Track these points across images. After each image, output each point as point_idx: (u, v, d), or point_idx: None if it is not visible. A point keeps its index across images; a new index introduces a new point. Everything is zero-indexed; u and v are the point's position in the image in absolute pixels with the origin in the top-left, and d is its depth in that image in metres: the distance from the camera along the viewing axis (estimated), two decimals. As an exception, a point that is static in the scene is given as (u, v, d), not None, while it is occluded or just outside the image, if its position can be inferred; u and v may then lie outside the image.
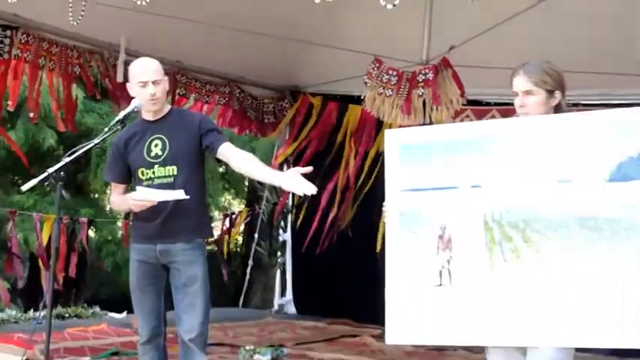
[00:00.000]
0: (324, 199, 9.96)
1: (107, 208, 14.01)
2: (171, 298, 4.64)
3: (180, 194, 4.38)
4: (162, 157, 4.54)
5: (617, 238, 3.29)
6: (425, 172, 3.69)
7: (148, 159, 4.55)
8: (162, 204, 4.43)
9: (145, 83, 4.51)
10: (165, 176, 4.52)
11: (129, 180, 4.71)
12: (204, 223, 4.76)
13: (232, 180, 15.64)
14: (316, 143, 10.35)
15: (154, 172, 4.54)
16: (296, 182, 4.21)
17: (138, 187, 4.55)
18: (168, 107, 4.71)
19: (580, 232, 3.35)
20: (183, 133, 4.59)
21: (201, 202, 4.65)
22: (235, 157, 4.59)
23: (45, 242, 8.51)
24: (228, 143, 4.62)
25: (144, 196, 4.45)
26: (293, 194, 10.67)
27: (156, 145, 4.56)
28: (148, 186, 4.53)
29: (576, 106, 4.08)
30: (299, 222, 10.68)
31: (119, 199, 4.74)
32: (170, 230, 4.51)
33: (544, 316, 3.42)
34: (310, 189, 4.15)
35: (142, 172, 4.57)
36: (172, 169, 4.52)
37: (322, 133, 10.34)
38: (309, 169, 4.32)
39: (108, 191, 13.15)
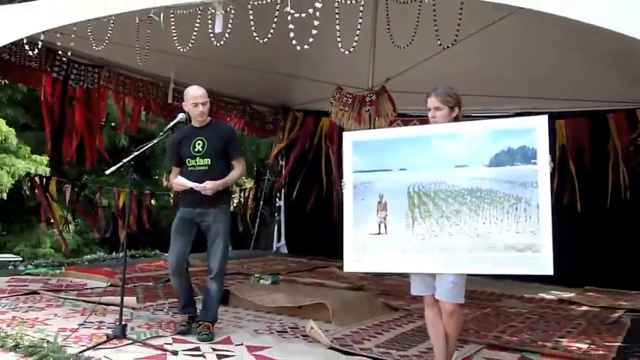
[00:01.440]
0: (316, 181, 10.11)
1: (164, 185, 13.96)
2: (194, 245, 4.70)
3: (201, 188, 4.45)
4: (202, 152, 4.54)
5: (494, 203, 3.32)
6: (369, 159, 3.69)
7: (193, 153, 4.56)
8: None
9: (197, 104, 4.54)
10: (203, 165, 4.53)
11: (181, 165, 4.69)
12: (227, 195, 4.74)
13: (246, 165, 15.60)
14: (301, 142, 10.39)
15: (196, 162, 4.54)
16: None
17: (178, 176, 4.56)
18: (209, 119, 4.70)
19: (470, 199, 3.37)
20: (217, 137, 4.58)
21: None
22: (236, 173, 4.62)
23: (120, 206, 8.50)
24: (237, 160, 4.67)
25: (182, 182, 4.50)
26: (285, 176, 10.73)
27: (198, 144, 4.56)
28: (191, 171, 4.54)
29: (469, 117, 4.06)
30: (286, 193, 10.82)
31: (173, 178, 4.72)
32: (204, 200, 4.50)
33: (447, 253, 3.43)
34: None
35: (189, 162, 4.58)
36: (208, 161, 4.53)
37: (304, 136, 10.37)
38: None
39: (165, 174, 13.24)
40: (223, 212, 4.59)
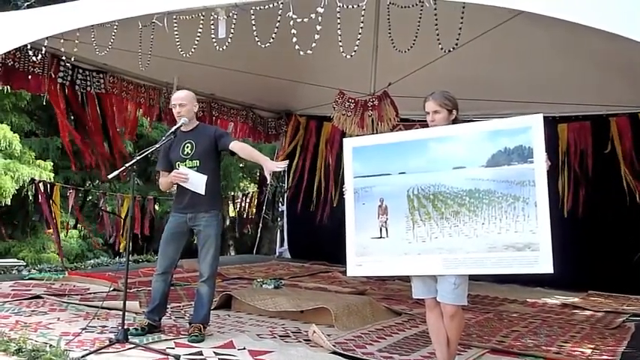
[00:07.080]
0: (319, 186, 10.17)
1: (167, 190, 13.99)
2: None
3: (203, 180, 4.49)
4: (191, 155, 4.61)
5: (492, 203, 3.33)
6: (369, 164, 3.71)
7: (182, 155, 4.62)
8: (190, 189, 4.53)
9: (175, 105, 4.67)
10: (192, 166, 4.58)
11: (170, 169, 4.72)
12: (218, 199, 4.77)
13: (247, 171, 15.63)
14: (305, 147, 10.46)
15: (185, 164, 4.60)
16: (271, 163, 4.42)
17: (180, 167, 4.60)
18: (196, 123, 4.76)
19: (469, 200, 3.38)
20: (204, 139, 4.64)
21: (214, 184, 4.64)
22: (240, 148, 4.63)
23: (124, 212, 8.52)
24: (235, 141, 4.70)
25: (183, 171, 4.54)
26: (289, 182, 10.74)
27: (187, 147, 4.63)
28: None
29: (469, 121, 4.07)
30: (289, 198, 10.84)
31: (164, 180, 4.76)
32: (196, 204, 4.56)
33: (447, 254, 3.44)
34: (280, 167, 4.55)
35: (178, 165, 4.63)
36: (197, 162, 4.59)
37: (308, 141, 10.42)
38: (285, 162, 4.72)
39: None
40: (214, 217, 4.63)
